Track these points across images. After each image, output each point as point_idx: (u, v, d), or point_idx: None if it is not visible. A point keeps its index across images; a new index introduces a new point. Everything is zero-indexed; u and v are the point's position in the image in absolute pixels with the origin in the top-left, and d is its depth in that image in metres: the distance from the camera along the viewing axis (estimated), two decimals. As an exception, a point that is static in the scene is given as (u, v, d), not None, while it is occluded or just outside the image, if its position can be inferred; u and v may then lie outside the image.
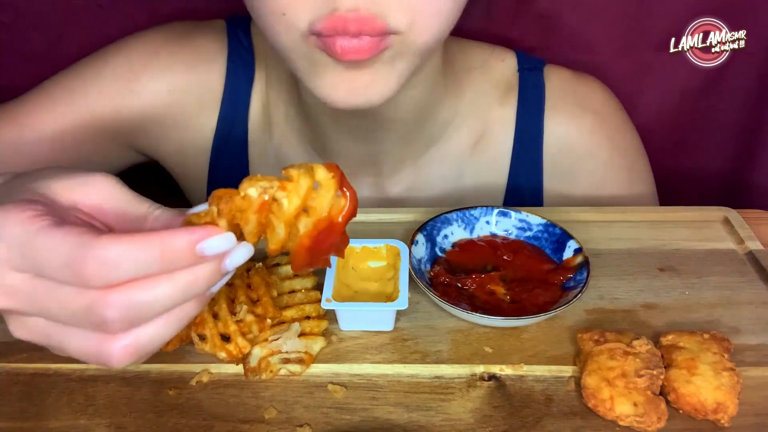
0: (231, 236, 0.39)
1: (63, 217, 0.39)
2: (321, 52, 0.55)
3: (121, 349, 0.37)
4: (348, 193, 0.42)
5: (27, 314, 0.38)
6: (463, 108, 0.77)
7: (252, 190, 0.39)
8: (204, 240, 0.38)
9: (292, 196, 0.40)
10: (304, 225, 0.41)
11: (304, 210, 0.41)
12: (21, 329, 0.39)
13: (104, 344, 0.37)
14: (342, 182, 0.41)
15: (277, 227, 0.41)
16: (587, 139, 0.78)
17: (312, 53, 0.55)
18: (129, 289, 0.36)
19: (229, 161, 0.79)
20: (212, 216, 0.39)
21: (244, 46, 0.77)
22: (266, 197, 0.40)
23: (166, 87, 0.76)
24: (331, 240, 0.42)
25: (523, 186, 0.79)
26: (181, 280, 0.38)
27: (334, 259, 0.59)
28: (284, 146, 0.79)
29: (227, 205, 0.39)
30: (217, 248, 0.38)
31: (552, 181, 0.79)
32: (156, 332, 0.38)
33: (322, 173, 0.41)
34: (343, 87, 0.56)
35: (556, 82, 0.79)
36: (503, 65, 0.79)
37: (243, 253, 0.40)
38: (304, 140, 0.77)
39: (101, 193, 0.42)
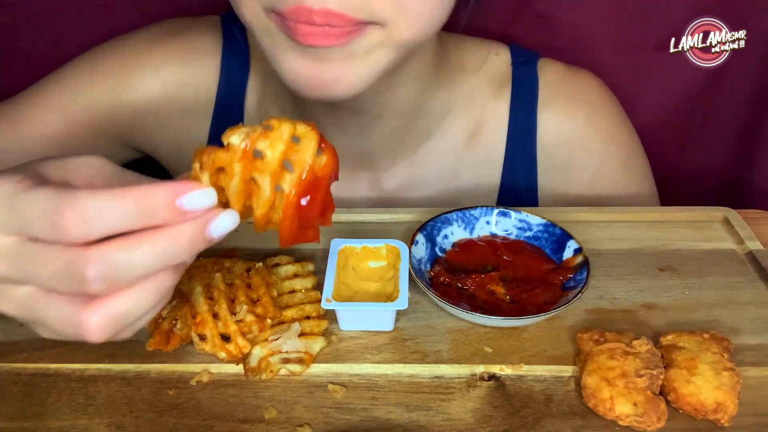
0: (212, 192, 0.39)
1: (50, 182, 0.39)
2: (281, 33, 0.54)
3: (97, 320, 0.37)
4: (328, 150, 0.42)
5: (11, 281, 0.38)
6: (457, 103, 0.77)
7: (234, 137, 0.40)
8: (184, 193, 0.37)
9: (275, 143, 0.40)
10: (290, 182, 0.41)
11: (288, 168, 0.41)
12: (5, 302, 0.39)
13: (81, 314, 0.37)
14: (321, 139, 0.42)
15: (262, 184, 0.40)
16: (582, 131, 0.78)
17: (272, 31, 0.55)
18: (109, 246, 0.36)
19: None
20: (195, 173, 0.40)
21: (238, 42, 0.77)
22: (248, 143, 0.40)
23: (161, 82, 0.76)
24: (317, 198, 0.42)
25: (518, 180, 0.79)
26: (162, 239, 0.37)
27: (333, 259, 0.59)
28: None
29: (210, 157, 0.39)
30: (198, 203, 0.38)
31: (547, 175, 0.79)
32: (133, 303, 0.37)
33: (301, 127, 0.41)
34: (306, 76, 0.55)
35: (550, 75, 0.79)
36: (497, 59, 0.79)
37: (228, 220, 0.39)
38: None
39: (90, 170, 0.42)
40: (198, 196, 0.38)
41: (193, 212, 0.38)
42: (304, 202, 0.41)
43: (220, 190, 0.40)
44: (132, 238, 0.37)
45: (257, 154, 0.40)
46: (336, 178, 0.43)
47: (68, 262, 0.36)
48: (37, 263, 0.37)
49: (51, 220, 0.35)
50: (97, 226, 0.36)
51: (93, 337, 0.37)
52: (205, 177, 0.40)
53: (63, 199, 0.36)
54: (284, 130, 0.40)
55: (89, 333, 0.37)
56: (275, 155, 0.40)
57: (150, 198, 0.37)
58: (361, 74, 0.56)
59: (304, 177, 0.41)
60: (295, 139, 0.41)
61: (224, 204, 0.40)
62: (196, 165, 0.40)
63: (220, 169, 0.40)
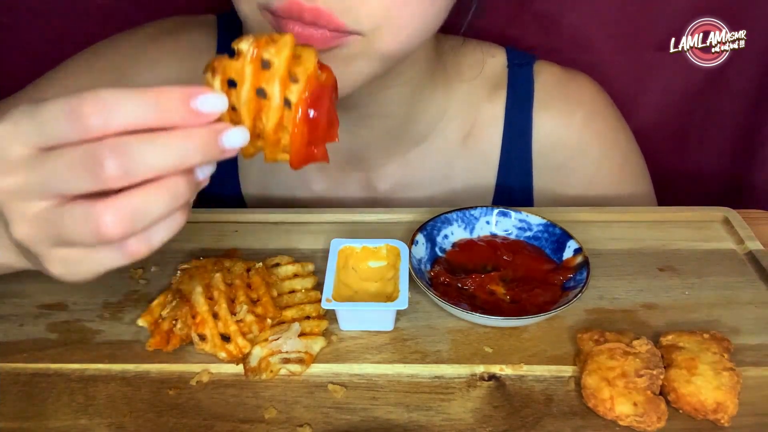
0: (224, 98, 0.40)
1: None
2: (273, 31, 0.55)
3: (113, 212, 0.37)
4: (326, 67, 0.44)
5: (29, 195, 0.39)
6: (453, 105, 0.77)
7: (243, 43, 0.41)
8: (197, 95, 0.39)
9: (281, 49, 0.41)
10: (296, 92, 0.42)
11: (292, 80, 0.42)
12: (21, 223, 0.40)
13: (97, 209, 0.37)
14: (318, 60, 0.43)
15: (271, 93, 0.41)
16: (578, 134, 0.78)
17: (266, 29, 0.55)
18: (126, 136, 0.37)
19: None
20: (207, 81, 0.41)
21: (234, 42, 0.77)
22: (256, 49, 0.41)
23: (156, 80, 0.75)
24: (324, 108, 0.43)
25: (513, 182, 0.79)
26: (177, 136, 0.38)
27: (333, 259, 0.59)
28: None
29: (221, 63, 0.41)
30: (211, 104, 0.39)
31: (542, 177, 0.79)
32: (148, 199, 0.38)
33: (299, 46, 0.43)
34: None
35: (546, 77, 0.79)
36: (493, 61, 0.79)
37: (239, 134, 0.40)
38: None
39: None
40: (211, 97, 0.39)
41: (207, 115, 0.39)
42: (312, 113, 0.42)
43: (231, 110, 0.41)
44: (148, 133, 0.38)
45: (265, 65, 0.41)
46: (337, 97, 0.45)
47: (85, 151, 0.37)
48: (55, 164, 0.38)
49: (71, 108, 0.37)
50: (116, 115, 0.37)
51: (109, 231, 0.37)
52: (217, 83, 0.41)
53: (83, 93, 0.37)
54: (287, 39, 0.42)
55: (105, 227, 0.37)
56: (282, 61, 0.41)
57: (166, 94, 0.38)
58: (344, 79, 0.57)
59: (309, 85, 0.42)
60: (296, 58, 0.42)
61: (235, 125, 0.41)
62: (208, 74, 0.41)
63: (231, 84, 0.41)
